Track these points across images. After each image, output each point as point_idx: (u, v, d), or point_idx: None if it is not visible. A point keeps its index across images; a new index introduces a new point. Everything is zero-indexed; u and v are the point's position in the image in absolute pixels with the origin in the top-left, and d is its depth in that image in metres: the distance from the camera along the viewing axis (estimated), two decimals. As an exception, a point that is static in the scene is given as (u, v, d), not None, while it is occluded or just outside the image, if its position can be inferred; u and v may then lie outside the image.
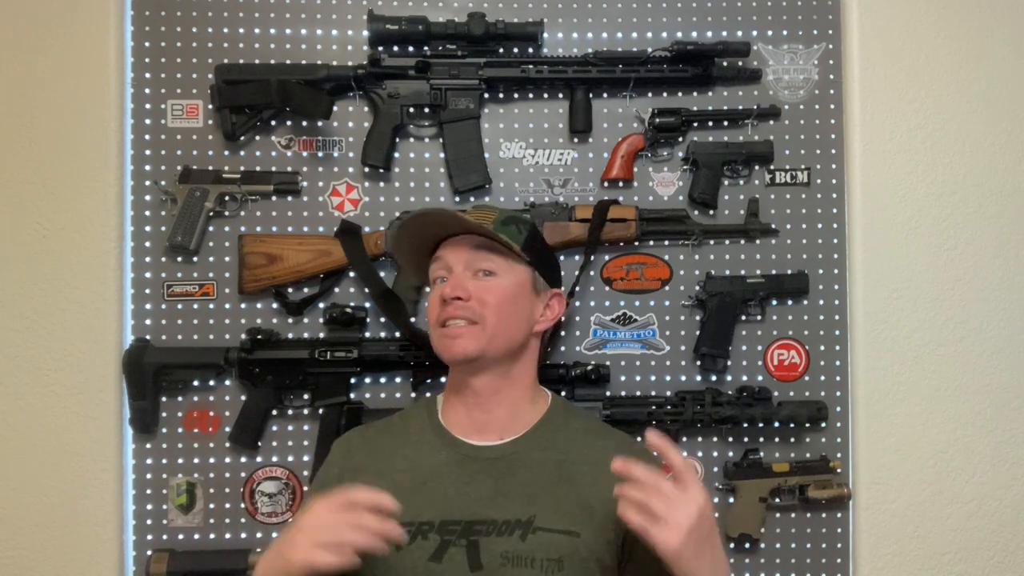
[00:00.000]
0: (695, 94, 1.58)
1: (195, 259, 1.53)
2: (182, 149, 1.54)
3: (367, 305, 1.53)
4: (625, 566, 1.10)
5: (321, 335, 1.53)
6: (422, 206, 1.29)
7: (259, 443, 1.51)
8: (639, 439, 1.33)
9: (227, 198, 1.53)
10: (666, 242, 1.57)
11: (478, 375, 1.14)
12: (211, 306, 1.53)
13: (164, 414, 1.52)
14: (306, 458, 1.52)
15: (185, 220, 1.50)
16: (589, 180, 1.58)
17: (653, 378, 1.57)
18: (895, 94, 1.59)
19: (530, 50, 1.56)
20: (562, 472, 1.11)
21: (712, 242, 1.58)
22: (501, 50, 1.54)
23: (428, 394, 1.52)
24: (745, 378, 1.57)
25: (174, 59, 1.54)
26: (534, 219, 1.51)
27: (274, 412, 1.52)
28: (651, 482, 0.89)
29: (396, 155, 1.56)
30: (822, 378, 1.58)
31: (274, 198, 1.54)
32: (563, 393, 1.50)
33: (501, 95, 1.57)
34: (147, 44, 1.54)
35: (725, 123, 1.58)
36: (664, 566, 0.92)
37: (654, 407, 1.50)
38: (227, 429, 1.52)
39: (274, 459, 1.53)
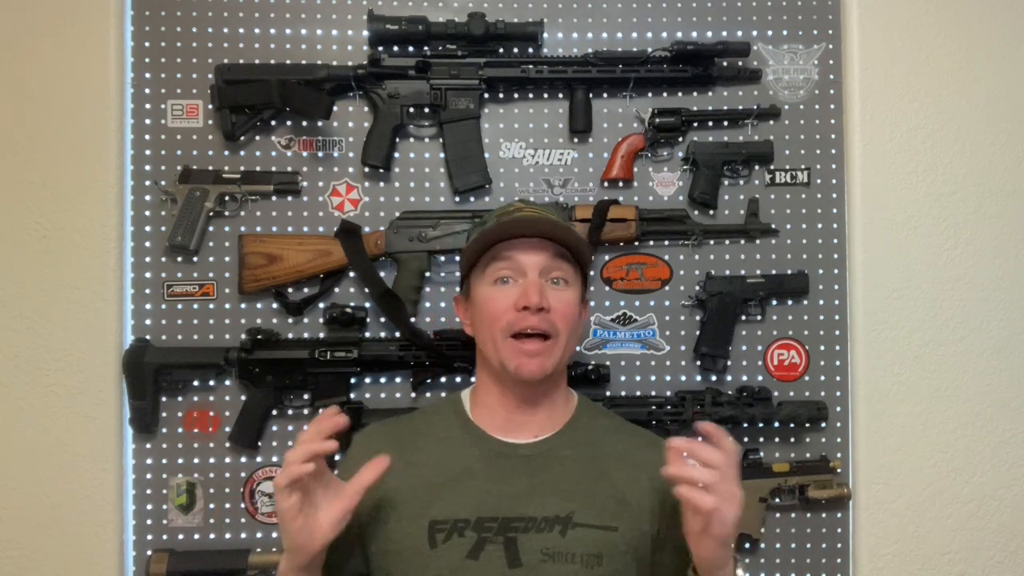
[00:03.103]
0: (695, 94, 1.58)
1: (195, 259, 1.53)
2: (182, 149, 1.54)
3: (367, 305, 1.53)
4: (656, 557, 1.11)
5: (321, 335, 1.53)
6: (506, 207, 1.21)
7: (259, 443, 1.51)
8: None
9: (227, 198, 1.53)
10: (666, 242, 1.57)
11: (536, 386, 1.12)
12: (211, 306, 1.53)
13: (164, 414, 1.52)
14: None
15: (185, 220, 1.50)
16: (589, 180, 1.58)
17: (653, 378, 1.57)
18: (895, 94, 1.59)
19: (530, 50, 1.56)
20: (596, 468, 1.11)
21: (712, 242, 1.58)
22: (501, 50, 1.54)
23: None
24: (745, 378, 1.57)
25: (174, 59, 1.54)
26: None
27: (274, 412, 1.52)
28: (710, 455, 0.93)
29: (396, 155, 1.56)
30: (822, 378, 1.58)
31: (274, 198, 1.54)
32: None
33: (501, 95, 1.57)
34: (147, 44, 1.54)
35: (725, 123, 1.58)
36: (688, 558, 0.99)
37: (654, 407, 1.50)
38: (227, 429, 1.52)
39: (274, 459, 1.53)
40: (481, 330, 1.14)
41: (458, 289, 1.25)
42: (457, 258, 1.52)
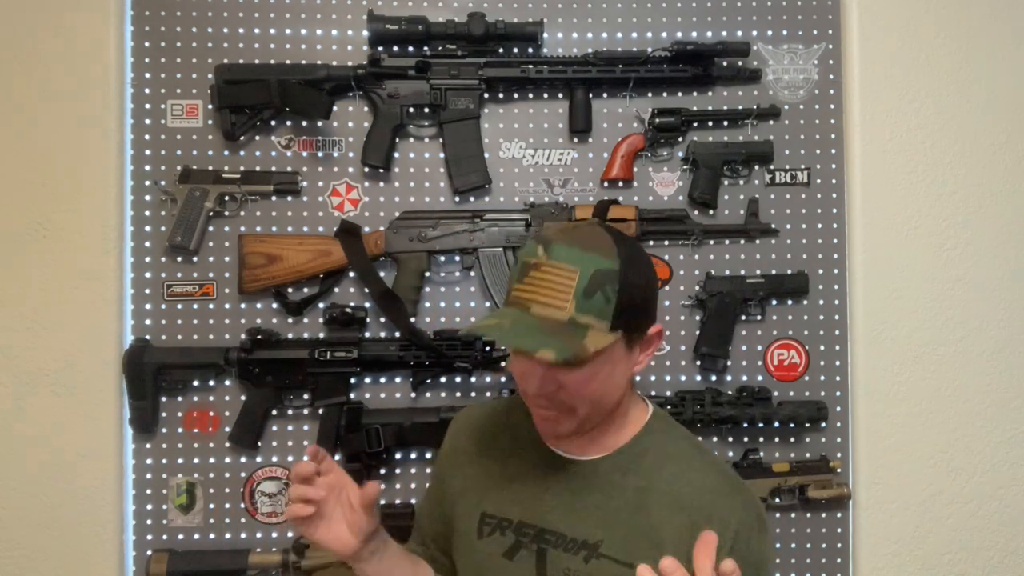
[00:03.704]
0: (695, 94, 1.58)
1: (195, 259, 1.53)
2: (182, 149, 1.54)
3: (367, 305, 1.53)
4: None
5: (321, 335, 1.53)
6: (511, 307, 0.99)
7: (259, 443, 1.51)
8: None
9: (227, 198, 1.53)
10: (666, 242, 1.57)
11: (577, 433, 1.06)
12: (211, 306, 1.53)
13: (164, 414, 1.52)
14: (306, 458, 1.51)
15: (185, 220, 1.50)
16: (589, 180, 1.58)
17: (653, 378, 1.57)
18: (895, 94, 1.59)
19: (530, 50, 1.56)
20: (640, 501, 1.03)
21: (712, 242, 1.58)
22: (501, 50, 1.54)
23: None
24: (745, 378, 1.57)
25: (174, 59, 1.54)
26: (533, 219, 1.52)
27: (274, 412, 1.52)
28: None
29: (396, 155, 1.56)
30: (822, 378, 1.58)
31: (274, 198, 1.54)
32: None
33: (501, 95, 1.57)
34: (147, 44, 1.54)
35: (725, 123, 1.58)
36: None
37: (654, 407, 1.50)
38: (227, 429, 1.52)
39: (274, 459, 1.53)
40: None
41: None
42: (457, 258, 1.54)
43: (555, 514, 1.05)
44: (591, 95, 1.55)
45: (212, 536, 1.52)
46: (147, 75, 1.54)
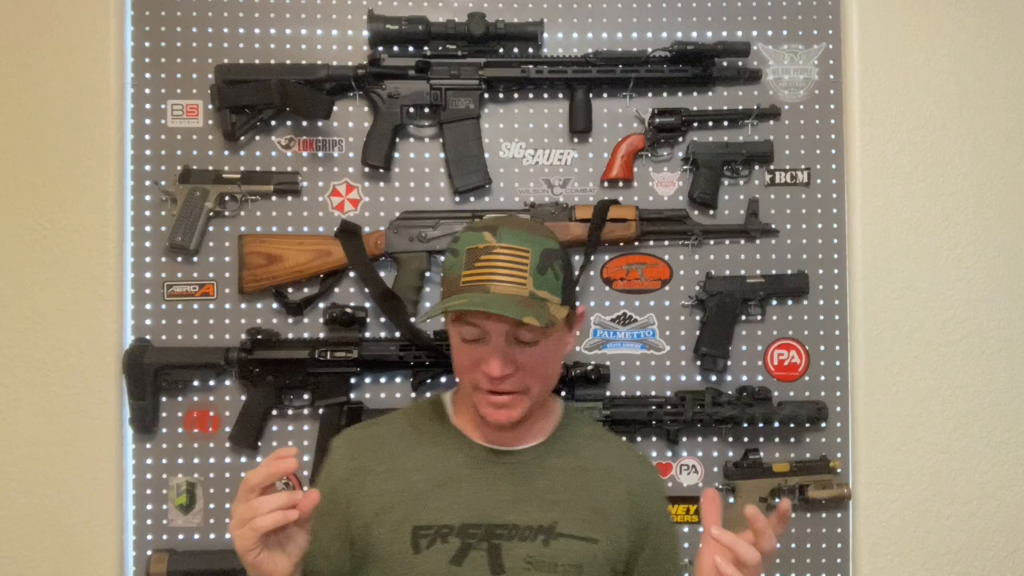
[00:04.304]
0: (695, 94, 1.58)
1: (195, 259, 1.53)
2: (182, 149, 1.54)
3: (367, 305, 1.53)
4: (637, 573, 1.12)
5: (321, 335, 1.53)
6: (476, 236, 1.04)
7: (259, 443, 1.51)
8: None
9: (227, 198, 1.53)
10: (666, 242, 1.57)
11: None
12: (211, 306, 1.53)
13: (164, 414, 1.52)
14: (306, 458, 1.52)
15: (185, 220, 1.50)
16: (589, 180, 1.58)
17: (653, 378, 1.57)
18: (895, 94, 1.59)
19: (530, 50, 1.56)
20: (579, 478, 1.11)
21: (712, 242, 1.58)
22: (501, 50, 1.54)
23: (428, 394, 1.52)
24: (745, 378, 1.57)
25: (174, 59, 1.54)
26: (533, 219, 1.52)
27: (274, 412, 1.52)
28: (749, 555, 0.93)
29: (396, 155, 1.56)
30: (822, 378, 1.58)
31: (274, 198, 1.54)
32: (563, 393, 1.50)
33: (501, 95, 1.57)
34: (147, 44, 1.54)
35: (725, 123, 1.58)
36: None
37: (654, 407, 1.50)
38: (227, 429, 1.52)
39: (274, 459, 1.53)
40: (455, 371, 1.09)
41: None
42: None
43: (502, 507, 1.06)
44: (591, 95, 1.55)
45: (212, 536, 1.52)
46: (147, 75, 1.54)
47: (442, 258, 1.53)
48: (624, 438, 1.54)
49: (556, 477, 1.10)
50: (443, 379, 1.53)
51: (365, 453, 1.11)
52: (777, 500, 1.53)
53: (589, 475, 1.11)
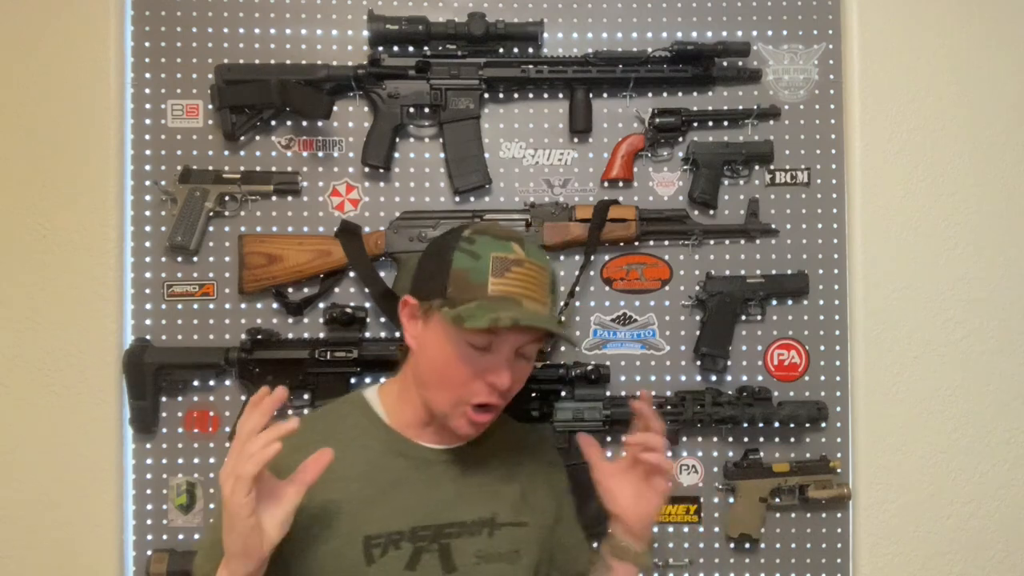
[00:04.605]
0: (695, 94, 1.58)
1: (195, 259, 1.53)
2: (182, 149, 1.54)
3: (367, 305, 1.53)
4: (553, 541, 1.19)
5: (321, 335, 1.53)
6: (503, 245, 1.04)
7: (259, 443, 1.51)
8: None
9: (227, 198, 1.53)
10: (666, 242, 1.57)
11: None
12: (211, 306, 1.53)
13: (164, 414, 1.52)
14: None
15: (185, 220, 1.50)
16: (589, 180, 1.58)
17: (653, 378, 1.57)
18: (895, 94, 1.59)
19: (530, 50, 1.56)
20: (505, 467, 1.16)
21: (712, 242, 1.58)
22: (501, 50, 1.54)
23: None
24: (745, 378, 1.57)
25: (174, 59, 1.54)
26: (533, 219, 1.52)
27: (274, 412, 1.52)
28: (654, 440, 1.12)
29: (396, 155, 1.56)
30: (822, 378, 1.58)
31: (274, 198, 1.54)
32: (563, 393, 1.50)
33: (501, 95, 1.57)
34: (147, 44, 1.54)
35: (725, 123, 1.58)
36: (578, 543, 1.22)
37: (654, 407, 1.50)
38: (227, 429, 1.52)
39: (274, 459, 1.53)
40: (434, 378, 1.06)
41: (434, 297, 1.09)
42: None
43: (448, 506, 1.08)
44: (591, 95, 1.55)
45: (212, 536, 1.52)
46: (147, 75, 1.54)
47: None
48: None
49: (488, 469, 1.14)
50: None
51: (291, 464, 1.00)
52: (777, 500, 1.53)
53: (513, 462, 1.17)
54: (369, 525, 1.03)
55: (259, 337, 1.49)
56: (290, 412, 1.52)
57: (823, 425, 1.56)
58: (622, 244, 1.56)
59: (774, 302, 1.58)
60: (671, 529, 1.56)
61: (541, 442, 1.28)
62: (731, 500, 1.54)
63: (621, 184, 1.57)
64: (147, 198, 1.53)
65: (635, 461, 1.14)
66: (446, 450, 1.12)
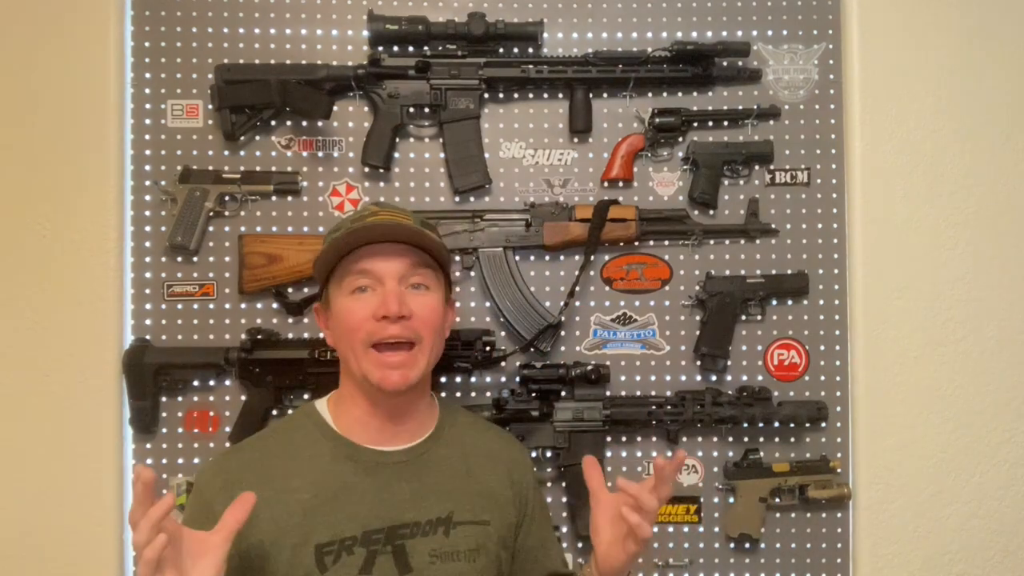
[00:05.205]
0: (695, 94, 1.58)
1: (195, 259, 1.53)
2: (182, 149, 1.54)
3: (367, 305, 1.53)
4: (517, 543, 1.20)
5: (321, 335, 1.53)
6: (359, 212, 1.16)
7: (259, 443, 1.51)
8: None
9: (227, 198, 1.53)
10: (666, 242, 1.57)
11: (404, 395, 1.10)
12: (211, 306, 1.53)
13: (164, 414, 1.52)
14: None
15: (185, 220, 1.50)
16: (589, 180, 1.58)
17: (653, 378, 1.57)
18: (895, 94, 1.59)
19: (530, 50, 1.56)
20: (465, 466, 1.16)
21: (712, 242, 1.58)
22: (501, 50, 1.54)
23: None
24: (745, 378, 1.57)
25: (174, 59, 1.54)
26: (533, 219, 1.52)
27: (274, 412, 1.52)
28: (651, 503, 1.03)
29: (396, 155, 1.56)
30: (822, 378, 1.58)
31: (274, 198, 1.54)
32: (563, 393, 1.50)
33: (501, 95, 1.57)
34: (147, 44, 1.54)
35: (725, 123, 1.58)
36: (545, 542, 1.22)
37: (654, 407, 1.50)
38: (227, 429, 1.52)
39: (274, 459, 1.53)
40: (342, 342, 1.10)
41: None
42: (458, 258, 1.53)
43: (401, 507, 1.08)
44: (591, 95, 1.55)
45: (212, 536, 1.52)
46: (147, 75, 1.54)
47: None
48: (624, 437, 1.55)
49: (445, 468, 1.14)
50: (443, 379, 1.53)
51: (242, 482, 1.03)
52: (777, 500, 1.53)
53: (474, 461, 1.17)
54: (319, 533, 1.03)
55: (259, 337, 1.49)
56: (290, 412, 1.52)
57: (823, 425, 1.56)
58: (622, 244, 1.56)
59: (774, 302, 1.58)
60: (671, 529, 1.56)
61: (508, 442, 1.28)
62: (731, 500, 1.54)
63: (621, 184, 1.57)
64: (147, 198, 1.53)
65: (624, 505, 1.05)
66: (400, 451, 1.12)
